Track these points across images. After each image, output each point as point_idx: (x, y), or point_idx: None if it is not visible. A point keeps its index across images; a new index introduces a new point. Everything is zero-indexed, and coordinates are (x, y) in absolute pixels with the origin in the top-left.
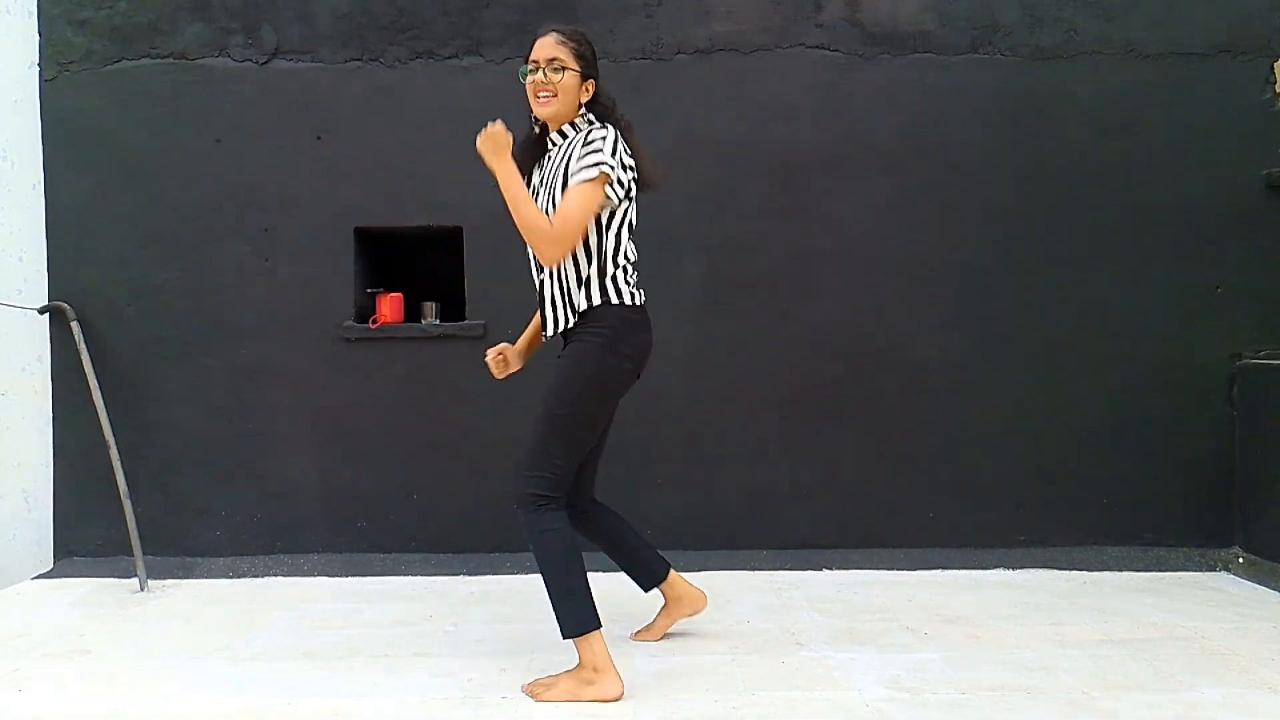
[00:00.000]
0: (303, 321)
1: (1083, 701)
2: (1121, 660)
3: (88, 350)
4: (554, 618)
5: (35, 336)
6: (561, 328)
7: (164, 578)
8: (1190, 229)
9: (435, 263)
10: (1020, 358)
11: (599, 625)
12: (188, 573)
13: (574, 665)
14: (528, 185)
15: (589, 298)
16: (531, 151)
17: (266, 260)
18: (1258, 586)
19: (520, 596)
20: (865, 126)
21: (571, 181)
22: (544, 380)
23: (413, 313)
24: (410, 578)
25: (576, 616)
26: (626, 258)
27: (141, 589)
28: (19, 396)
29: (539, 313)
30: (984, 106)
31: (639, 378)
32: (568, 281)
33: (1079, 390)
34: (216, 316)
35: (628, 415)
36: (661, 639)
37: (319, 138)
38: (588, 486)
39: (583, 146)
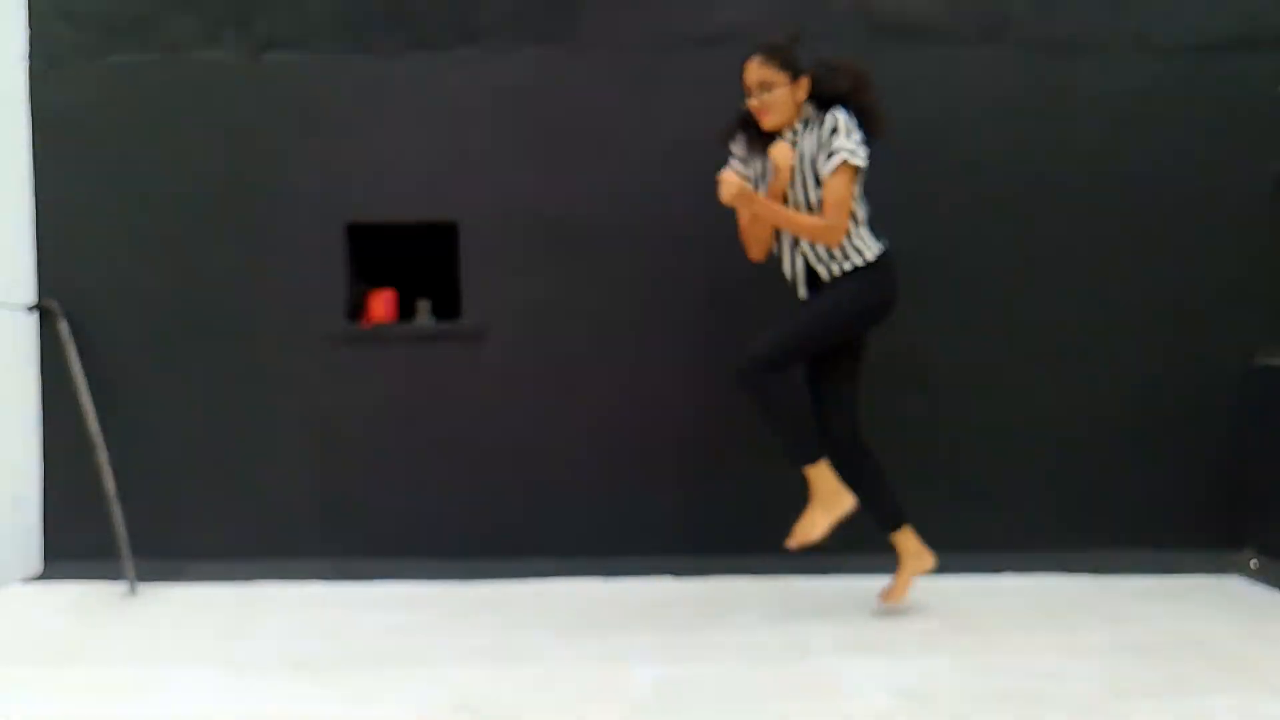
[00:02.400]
0: (294, 320)
1: (1095, 709)
2: (1133, 666)
3: (76, 350)
4: (550, 616)
5: (23, 336)
6: (838, 275)
7: (154, 581)
8: (1203, 226)
9: (430, 259)
10: (1029, 359)
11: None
12: (178, 577)
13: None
14: (756, 169)
15: (863, 253)
16: (753, 136)
17: (257, 257)
18: (1271, 590)
19: (517, 603)
20: None
21: (826, 171)
22: None
23: (406, 309)
24: (405, 583)
25: (806, 449)
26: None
27: (131, 593)
28: (6, 397)
29: (794, 278)
30: (994, 99)
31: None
32: (844, 251)
33: (1089, 391)
34: (206, 316)
35: (629, 416)
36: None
37: (312, 132)
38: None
39: (826, 135)
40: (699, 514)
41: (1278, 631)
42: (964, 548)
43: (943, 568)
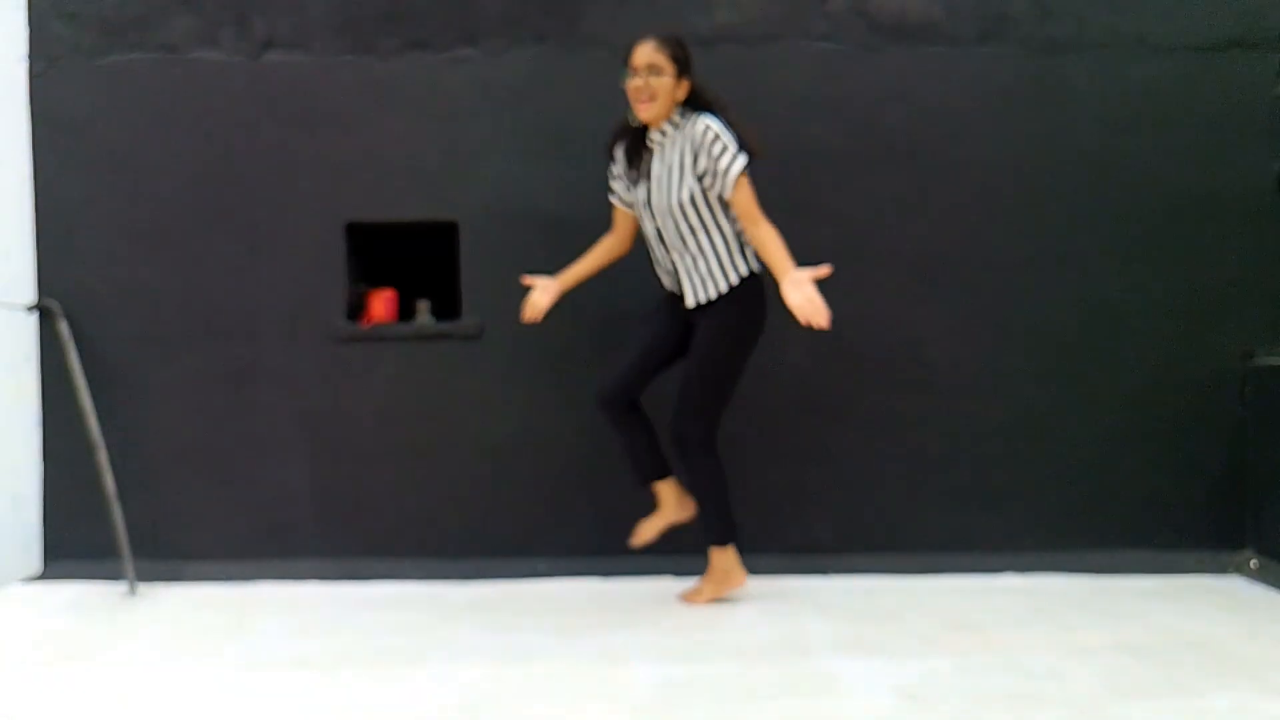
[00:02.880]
0: (293, 320)
1: (1094, 709)
2: (1133, 666)
3: (76, 349)
4: (549, 615)
5: (23, 335)
6: (705, 301)
7: (154, 581)
8: (1202, 226)
9: (429, 259)
10: (1030, 358)
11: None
12: (178, 576)
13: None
14: (641, 175)
15: (727, 274)
16: (631, 143)
17: (257, 257)
18: (1271, 590)
19: (516, 603)
20: (871, 119)
21: (729, 181)
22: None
23: (406, 309)
24: (404, 583)
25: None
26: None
27: (131, 593)
28: (6, 397)
29: (665, 278)
30: (993, 99)
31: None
32: (718, 259)
33: (1089, 391)
34: (206, 315)
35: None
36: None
37: (311, 131)
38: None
39: (706, 141)
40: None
41: (1277, 631)
42: (963, 548)
43: (941, 567)
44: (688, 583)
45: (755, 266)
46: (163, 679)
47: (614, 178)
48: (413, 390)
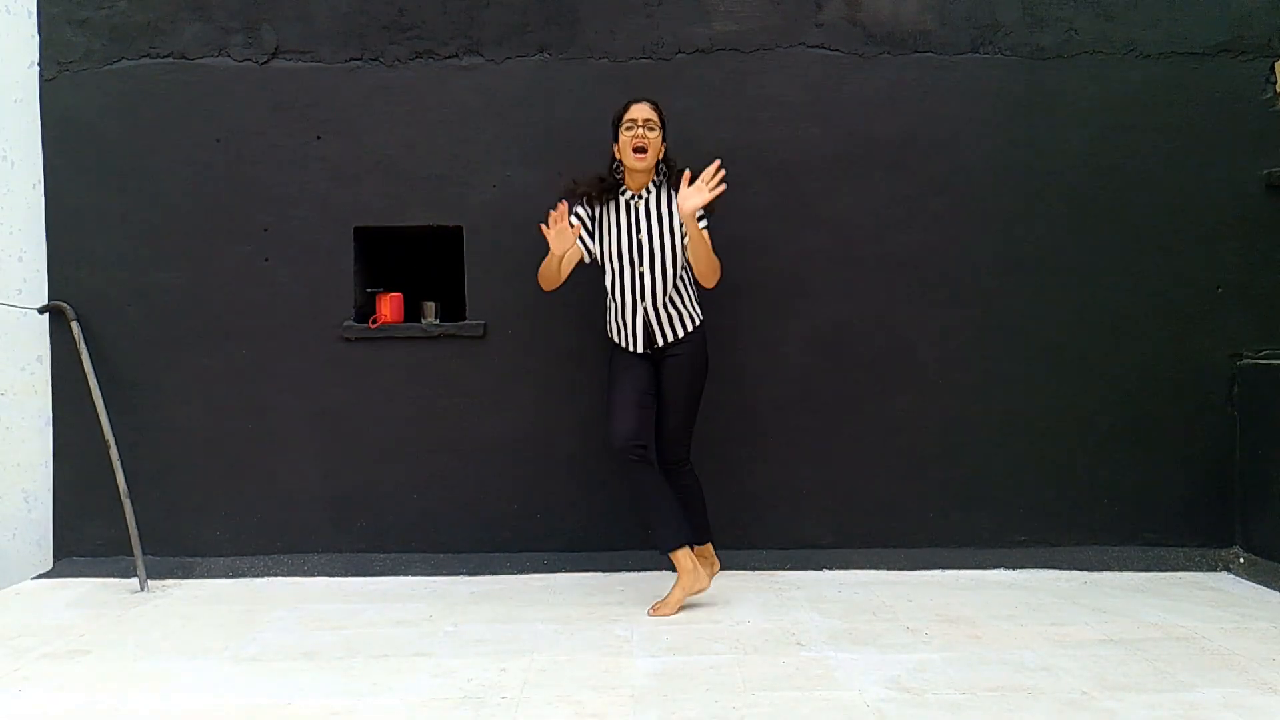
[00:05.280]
0: (303, 321)
1: (1083, 701)
2: (1122, 660)
3: (88, 350)
4: (551, 608)
5: (35, 336)
6: (677, 338)
7: (164, 577)
8: (1191, 229)
9: (435, 262)
10: (1020, 357)
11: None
12: (187, 572)
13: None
14: (622, 225)
15: (695, 317)
16: (606, 192)
17: (266, 260)
18: (1258, 586)
19: (520, 596)
20: (865, 126)
21: (700, 229)
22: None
23: (413, 312)
24: (410, 578)
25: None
26: None
27: (141, 589)
28: (19, 396)
29: (634, 332)
30: (985, 106)
31: None
32: (689, 304)
33: (1079, 390)
34: (216, 316)
35: None
36: (664, 640)
37: (319, 137)
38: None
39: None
40: None
41: (1265, 626)
42: (955, 543)
43: (934, 562)
44: None
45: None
46: (172, 674)
47: (590, 218)
48: (419, 389)
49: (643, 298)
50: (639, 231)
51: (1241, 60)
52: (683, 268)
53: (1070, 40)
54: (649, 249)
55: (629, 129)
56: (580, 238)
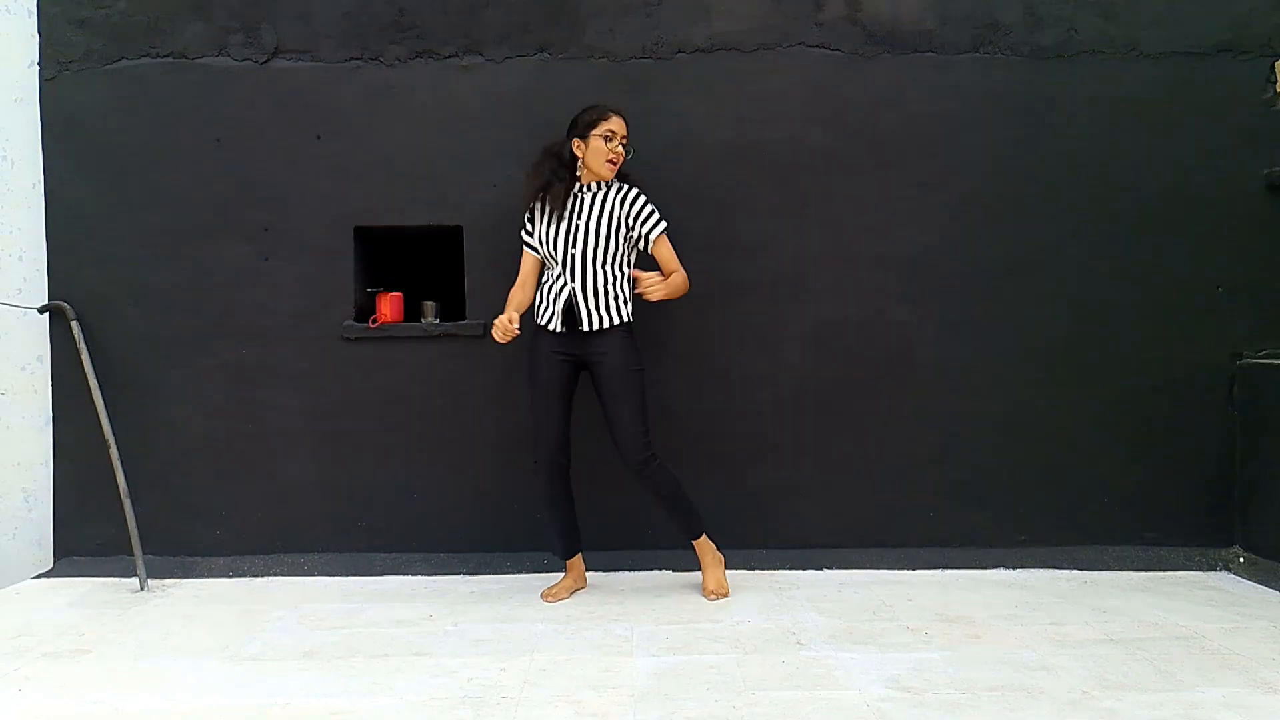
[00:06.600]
0: (303, 321)
1: (1083, 701)
2: (1122, 660)
3: (88, 349)
4: (550, 608)
5: (35, 336)
6: (601, 327)
7: (164, 577)
8: (1190, 229)
9: (435, 262)
10: (1020, 357)
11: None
12: (187, 572)
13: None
14: (564, 218)
15: (623, 311)
16: (557, 188)
17: (266, 260)
18: (1258, 586)
19: (520, 596)
20: (866, 126)
21: (658, 233)
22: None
23: (413, 312)
24: (410, 577)
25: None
26: None
27: (141, 588)
28: (19, 396)
29: (555, 307)
30: (984, 106)
31: None
32: (616, 296)
33: (1079, 389)
34: (216, 316)
35: None
36: (664, 639)
37: (319, 137)
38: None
39: (634, 202)
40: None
41: (1265, 626)
42: (954, 543)
43: (934, 562)
44: (685, 577)
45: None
46: (173, 673)
47: (529, 233)
48: (419, 389)
49: (571, 278)
50: (578, 218)
51: (1241, 60)
52: (615, 265)
53: (1070, 40)
54: (583, 235)
55: (608, 139)
56: (529, 245)
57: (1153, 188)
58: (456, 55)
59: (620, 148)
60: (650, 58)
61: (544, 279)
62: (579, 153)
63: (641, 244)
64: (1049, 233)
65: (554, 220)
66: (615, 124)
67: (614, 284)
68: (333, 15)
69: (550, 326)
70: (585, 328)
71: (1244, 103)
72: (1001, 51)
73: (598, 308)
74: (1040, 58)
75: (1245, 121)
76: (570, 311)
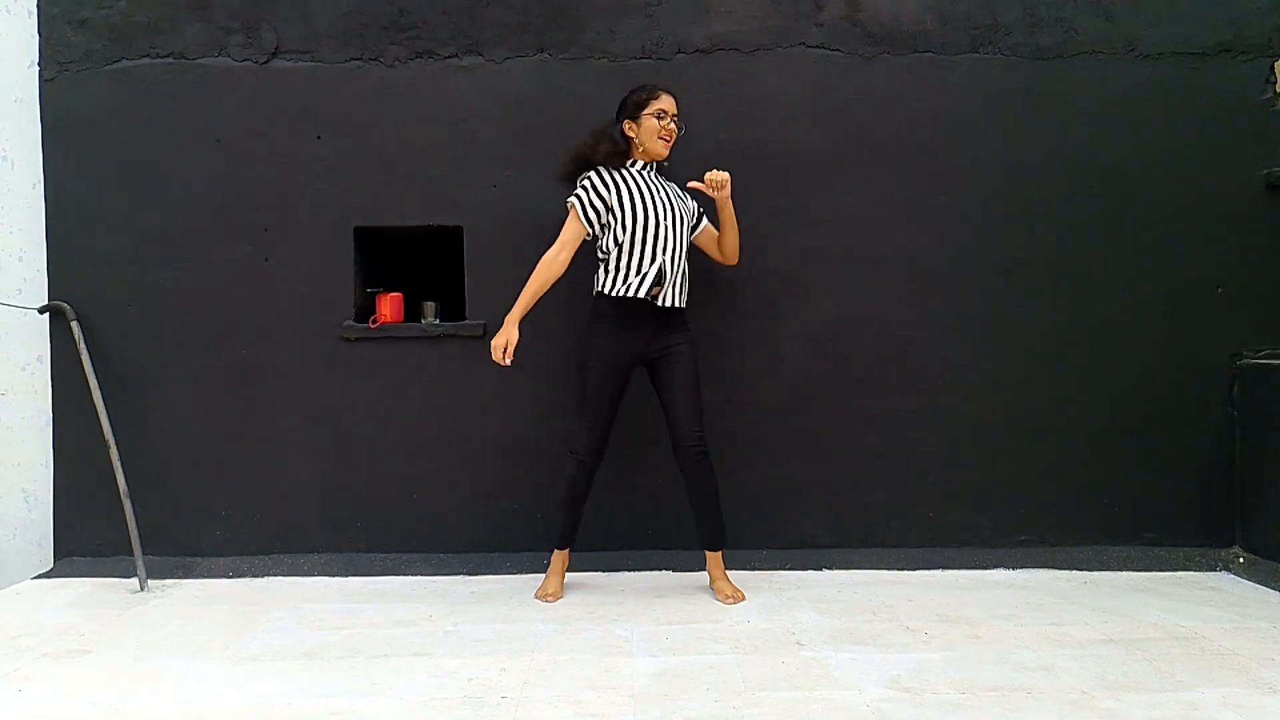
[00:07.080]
0: (303, 321)
1: (1083, 701)
2: (1122, 660)
3: (88, 350)
4: (551, 608)
5: (35, 336)
6: (679, 305)
7: (164, 577)
8: (1190, 229)
9: (435, 262)
10: (1020, 357)
11: None
12: (187, 572)
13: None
14: (649, 196)
15: (685, 295)
16: (616, 163)
17: (266, 260)
18: (1258, 586)
19: (520, 596)
20: (865, 126)
21: (705, 221)
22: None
23: (413, 312)
24: (410, 578)
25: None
26: None
27: (141, 589)
28: (19, 396)
29: (662, 290)
30: (984, 106)
31: None
32: (685, 279)
33: (1079, 390)
34: (216, 316)
35: (628, 415)
36: (664, 640)
37: (319, 137)
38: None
39: (687, 193)
40: None
41: (1265, 626)
42: (954, 543)
43: (934, 562)
44: (685, 577)
45: None
46: (172, 673)
47: (599, 197)
48: (419, 389)
49: (663, 250)
50: (659, 194)
51: (1241, 60)
52: (688, 245)
53: (1070, 40)
54: (667, 211)
55: (660, 118)
56: (585, 213)
57: (1152, 188)
58: (456, 55)
59: (672, 124)
60: (650, 58)
61: (611, 254)
62: (631, 134)
63: (690, 233)
64: (1049, 233)
65: (632, 191)
66: (666, 102)
67: (687, 265)
68: (333, 15)
69: (636, 294)
70: (669, 303)
71: (1244, 103)
72: (1001, 52)
73: (677, 287)
74: (1040, 58)
75: (1245, 121)
76: (660, 280)
